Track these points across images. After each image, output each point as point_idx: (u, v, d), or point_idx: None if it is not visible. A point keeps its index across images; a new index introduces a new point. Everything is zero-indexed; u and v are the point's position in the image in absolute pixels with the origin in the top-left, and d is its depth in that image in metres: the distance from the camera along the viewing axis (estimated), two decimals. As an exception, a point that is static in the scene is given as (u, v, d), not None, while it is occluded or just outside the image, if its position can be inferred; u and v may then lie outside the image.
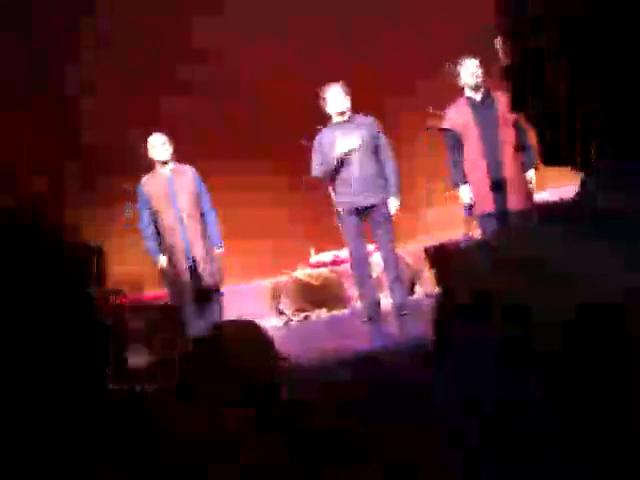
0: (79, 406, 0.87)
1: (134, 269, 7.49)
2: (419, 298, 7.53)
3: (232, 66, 8.60)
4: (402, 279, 6.70)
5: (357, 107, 6.54)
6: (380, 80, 8.38)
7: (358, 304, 7.09)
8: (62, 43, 8.33)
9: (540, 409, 0.57)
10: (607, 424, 0.55)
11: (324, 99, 6.41)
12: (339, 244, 6.95)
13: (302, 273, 8.27)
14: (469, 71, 6.29)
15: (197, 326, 6.30)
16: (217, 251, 6.59)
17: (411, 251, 7.94)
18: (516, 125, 6.23)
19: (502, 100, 6.26)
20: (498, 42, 0.70)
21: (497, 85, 6.31)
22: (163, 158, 6.44)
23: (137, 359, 5.96)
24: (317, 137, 6.46)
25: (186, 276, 6.43)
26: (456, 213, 6.76)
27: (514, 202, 6.18)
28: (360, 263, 6.48)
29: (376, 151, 6.43)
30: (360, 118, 6.47)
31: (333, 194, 6.44)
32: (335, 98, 6.38)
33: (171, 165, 6.49)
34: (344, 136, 6.35)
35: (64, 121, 8.56)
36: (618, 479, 0.55)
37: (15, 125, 7.99)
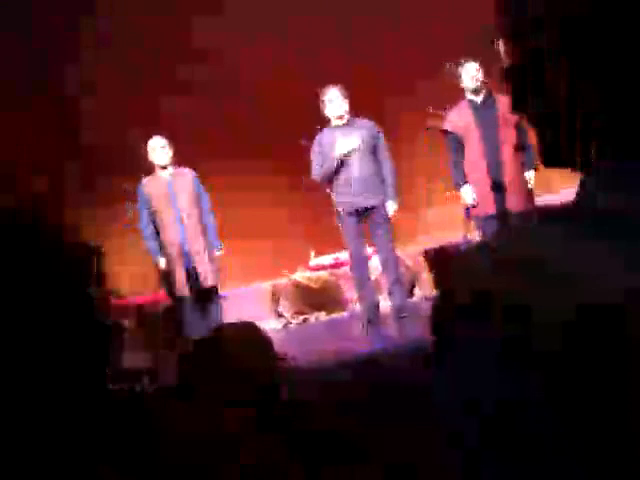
0: (79, 406, 0.87)
1: (134, 269, 7.50)
2: (418, 301, 7.52)
3: (232, 66, 8.60)
4: (402, 281, 6.71)
5: (357, 107, 6.55)
6: (380, 80, 8.38)
7: (357, 307, 7.09)
8: (62, 43, 8.33)
9: (540, 409, 0.57)
10: (607, 424, 0.55)
11: (322, 102, 6.42)
12: (339, 245, 6.95)
13: (301, 276, 8.28)
14: (469, 74, 6.30)
15: (196, 326, 6.30)
16: (217, 253, 6.60)
17: (411, 253, 7.94)
18: (517, 126, 6.24)
19: (503, 101, 6.27)
20: (499, 43, 0.70)
21: (498, 86, 6.32)
22: (163, 162, 6.45)
23: (136, 359, 5.96)
24: (317, 138, 6.46)
25: (185, 276, 6.44)
26: (456, 213, 6.76)
27: (514, 203, 6.19)
28: (360, 264, 6.48)
29: (374, 152, 6.44)
30: (359, 121, 6.48)
31: (333, 195, 6.44)
32: (333, 102, 6.38)
33: (170, 169, 6.50)
34: (344, 136, 6.35)
35: (64, 121, 8.56)
36: (618, 479, 0.55)
37: (15, 125, 7.99)
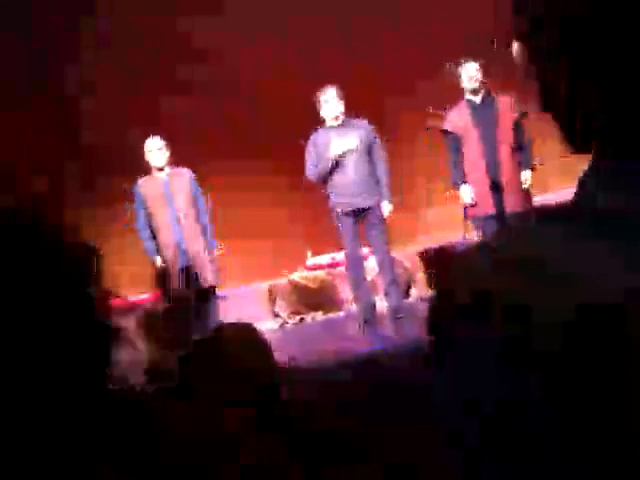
0: (79, 406, 0.87)
1: (134, 269, 7.50)
2: (414, 301, 7.53)
3: (232, 66, 8.60)
4: (398, 282, 6.72)
5: (357, 107, 6.55)
6: (380, 80, 8.38)
7: (353, 306, 7.10)
8: (62, 43, 8.33)
9: (540, 409, 0.57)
10: (607, 424, 0.55)
11: (318, 102, 6.42)
12: (338, 245, 6.96)
13: (298, 275, 8.28)
14: (468, 75, 6.31)
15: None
16: (216, 253, 6.60)
17: (411, 253, 7.94)
18: (515, 126, 6.24)
19: (502, 100, 6.28)
20: (513, 45, 0.69)
21: (497, 85, 6.32)
22: (160, 164, 6.45)
23: (136, 359, 5.96)
24: (311, 137, 6.46)
25: (182, 276, 6.44)
26: (456, 213, 6.76)
27: (511, 203, 6.20)
28: (355, 264, 6.49)
29: (369, 153, 6.44)
30: (354, 121, 6.48)
31: (330, 195, 6.44)
32: (329, 102, 6.38)
33: (167, 170, 6.50)
34: (339, 137, 6.35)
35: (64, 121, 8.56)
36: (618, 479, 0.55)
37: (15, 125, 7.99)
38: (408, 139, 8.38)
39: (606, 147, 0.64)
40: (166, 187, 6.45)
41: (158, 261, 6.46)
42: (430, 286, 7.49)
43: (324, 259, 8.36)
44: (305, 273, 8.33)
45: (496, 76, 6.05)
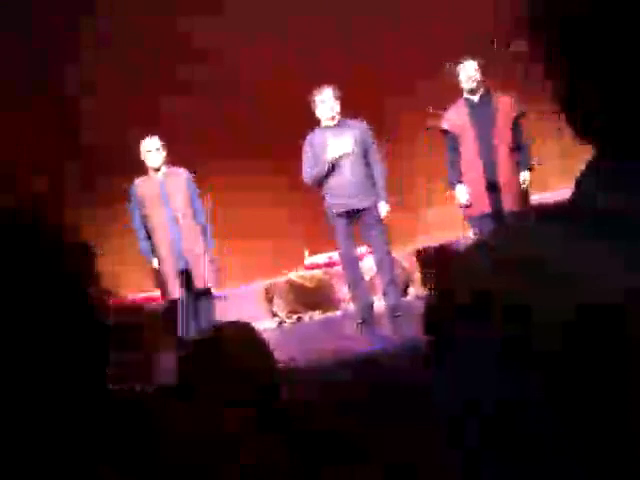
0: (79, 406, 0.87)
1: (134, 269, 7.50)
2: (411, 300, 7.53)
3: (232, 66, 8.60)
4: (396, 282, 6.73)
5: (357, 107, 6.54)
6: (380, 80, 8.38)
7: (350, 306, 7.10)
8: (62, 43, 8.33)
9: (540, 409, 0.57)
10: (607, 424, 0.55)
11: (314, 102, 6.42)
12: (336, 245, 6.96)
13: (296, 275, 8.28)
14: (466, 74, 6.30)
15: (192, 326, 6.30)
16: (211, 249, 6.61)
17: (408, 253, 7.95)
18: (514, 126, 6.24)
19: (502, 100, 6.27)
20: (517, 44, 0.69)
21: (497, 85, 6.32)
22: (156, 165, 6.45)
23: (136, 359, 5.96)
24: (308, 138, 6.46)
25: (181, 277, 6.44)
26: (456, 213, 6.76)
27: (509, 202, 6.19)
28: (351, 264, 6.51)
29: (365, 154, 6.45)
30: (350, 122, 6.48)
31: (327, 196, 6.45)
32: (326, 103, 6.38)
33: (164, 169, 6.49)
34: (336, 137, 6.35)
35: (64, 121, 8.56)
36: (618, 479, 0.55)
37: (15, 125, 7.99)
38: (408, 139, 8.37)
39: (606, 147, 0.64)
40: (162, 187, 6.45)
41: (154, 263, 6.47)
42: (425, 285, 7.50)
43: (321, 258, 8.36)
44: (302, 272, 8.34)
45: (496, 76, 6.06)
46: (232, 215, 8.14)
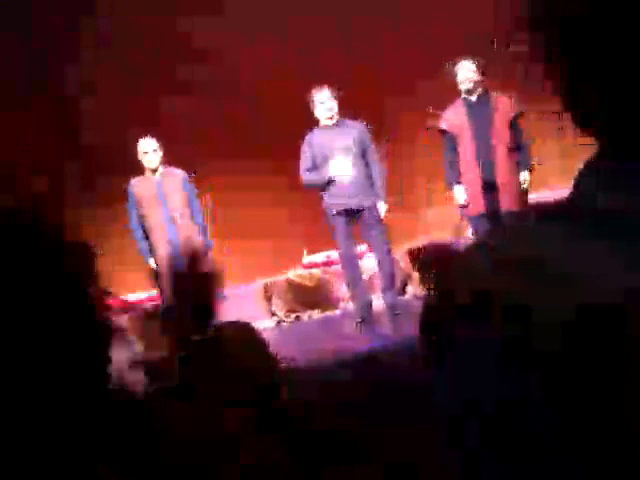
0: (79, 406, 0.87)
1: (134, 269, 7.50)
2: (409, 299, 7.54)
3: (232, 66, 8.60)
4: (395, 282, 6.74)
5: (357, 107, 6.54)
6: (380, 80, 8.38)
7: (349, 305, 7.11)
8: (62, 43, 8.33)
9: (540, 409, 0.57)
10: (607, 424, 0.55)
11: (312, 102, 6.42)
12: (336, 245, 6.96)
13: (294, 274, 8.28)
14: (463, 75, 6.30)
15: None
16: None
17: (405, 252, 7.95)
18: (512, 126, 6.23)
19: (501, 100, 6.27)
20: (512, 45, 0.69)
21: (497, 85, 6.31)
22: (153, 166, 6.46)
23: (136, 359, 5.95)
24: (306, 138, 6.47)
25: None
26: (456, 213, 6.76)
27: (507, 203, 6.19)
28: (351, 264, 6.52)
29: (364, 154, 6.46)
30: (349, 122, 6.49)
31: (325, 196, 6.46)
32: (325, 103, 6.39)
33: (161, 170, 6.50)
34: (335, 137, 6.35)
35: (64, 121, 8.56)
36: (618, 479, 0.55)
37: (15, 125, 7.99)
38: (408, 139, 8.37)
39: (606, 147, 0.64)
40: (159, 188, 6.46)
41: (152, 263, 6.48)
42: (422, 284, 7.51)
43: (319, 257, 8.37)
44: (301, 271, 8.34)
45: (496, 76, 6.05)
46: (232, 215, 8.14)
